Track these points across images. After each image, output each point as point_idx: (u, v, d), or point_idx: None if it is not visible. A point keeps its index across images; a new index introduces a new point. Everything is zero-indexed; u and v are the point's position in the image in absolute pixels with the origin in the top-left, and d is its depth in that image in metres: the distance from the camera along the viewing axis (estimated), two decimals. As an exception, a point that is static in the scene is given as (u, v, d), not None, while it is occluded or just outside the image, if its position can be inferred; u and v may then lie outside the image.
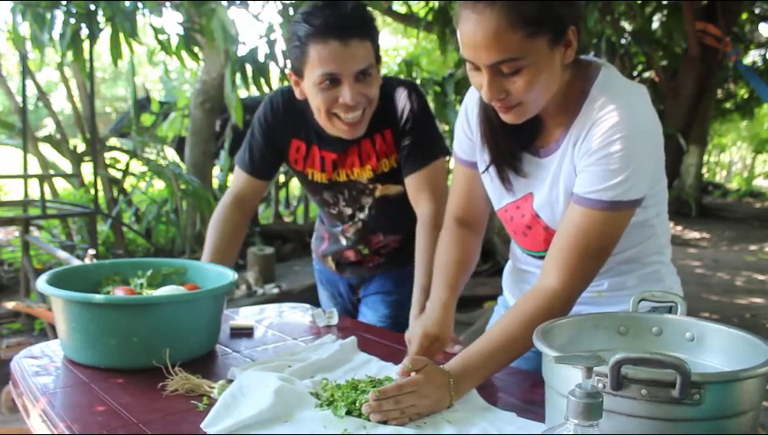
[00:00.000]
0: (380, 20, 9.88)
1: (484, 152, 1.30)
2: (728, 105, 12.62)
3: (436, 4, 5.32)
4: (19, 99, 6.01)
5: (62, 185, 7.66)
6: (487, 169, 1.30)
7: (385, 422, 1.04)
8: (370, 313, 1.85)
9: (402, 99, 1.63)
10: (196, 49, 3.98)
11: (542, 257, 1.32)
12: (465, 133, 1.36)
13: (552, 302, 1.13)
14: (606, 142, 1.10)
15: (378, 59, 1.54)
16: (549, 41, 1.07)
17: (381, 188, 1.71)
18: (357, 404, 1.07)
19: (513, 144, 1.25)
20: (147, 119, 7.35)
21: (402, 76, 5.35)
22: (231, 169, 6.21)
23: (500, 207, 1.35)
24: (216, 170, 6.99)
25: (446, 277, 1.36)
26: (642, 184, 1.13)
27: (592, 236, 1.12)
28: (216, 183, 6.86)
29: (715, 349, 1.00)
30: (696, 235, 10.52)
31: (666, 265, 1.35)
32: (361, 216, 1.77)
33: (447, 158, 1.73)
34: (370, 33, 1.50)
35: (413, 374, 1.10)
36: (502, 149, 1.26)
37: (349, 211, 1.78)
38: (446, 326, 1.30)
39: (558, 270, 1.14)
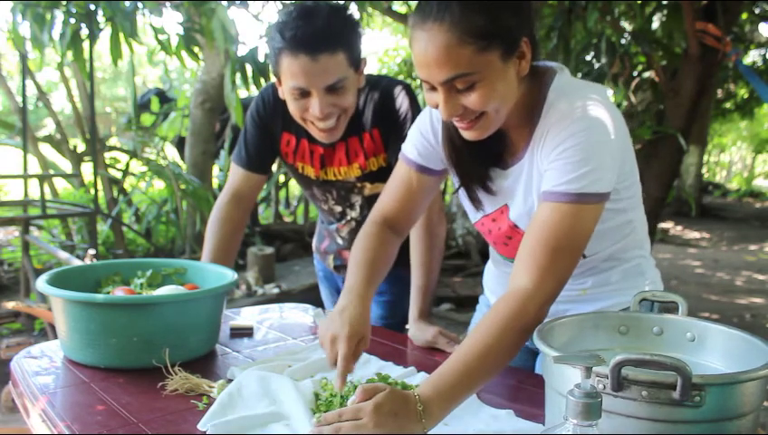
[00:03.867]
0: (380, 20, 9.89)
1: (453, 174, 1.29)
2: (728, 105, 12.61)
3: (437, 4, 5.30)
4: (19, 99, 6.00)
5: (62, 185, 7.66)
6: (457, 190, 1.31)
7: None
8: None
9: (392, 99, 1.63)
10: (196, 49, 3.97)
11: None
12: (422, 135, 1.32)
13: (525, 304, 1.05)
14: (566, 137, 1.09)
15: (357, 64, 1.53)
16: (501, 54, 1.06)
17: (370, 187, 1.72)
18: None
19: (480, 164, 1.24)
20: (147, 119, 7.35)
21: (402, 76, 5.36)
22: (231, 169, 6.19)
23: (475, 220, 1.34)
24: (215, 170, 6.99)
25: (367, 274, 1.26)
26: (608, 177, 1.10)
27: (561, 232, 1.08)
28: (215, 183, 6.86)
29: (716, 349, 1.00)
30: (696, 235, 10.52)
31: (647, 259, 1.35)
32: (353, 214, 1.78)
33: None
34: (344, 44, 1.48)
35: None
36: (469, 170, 1.25)
37: (339, 209, 1.79)
38: (367, 323, 1.19)
39: (529, 270, 1.08)
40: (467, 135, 1.16)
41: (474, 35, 1.03)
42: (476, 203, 1.29)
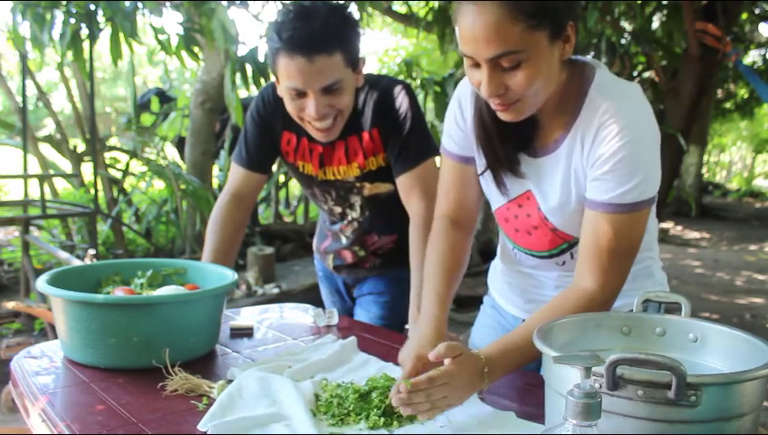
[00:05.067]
0: (380, 20, 9.89)
1: (480, 156, 1.29)
2: (728, 105, 12.62)
3: (436, 4, 5.32)
4: (19, 99, 6.00)
5: (62, 185, 7.65)
6: (483, 173, 1.30)
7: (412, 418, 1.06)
8: (363, 313, 1.86)
9: (392, 98, 1.63)
10: (196, 49, 3.98)
11: (543, 257, 1.32)
12: (458, 126, 1.33)
13: (590, 303, 1.13)
14: (618, 147, 1.10)
15: (354, 64, 1.53)
16: (549, 35, 1.06)
17: (370, 187, 1.72)
18: (348, 409, 1.08)
19: (510, 148, 1.24)
20: (147, 119, 7.35)
21: (402, 76, 5.35)
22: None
23: (499, 205, 1.34)
24: (215, 170, 6.99)
25: (437, 289, 1.28)
26: (656, 180, 1.15)
27: (620, 239, 1.13)
28: (215, 183, 6.86)
29: (718, 350, 1.00)
30: (696, 235, 10.51)
31: (655, 261, 1.37)
32: (354, 214, 1.78)
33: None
34: (341, 45, 1.47)
35: (446, 362, 1.05)
36: (498, 153, 1.25)
37: (339, 209, 1.79)
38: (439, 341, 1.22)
39: (592, 274, 1.15)
40: (503, 116, 1.15)
41: (525, 13, 1.02)
42: (502, 187, 1.28)
